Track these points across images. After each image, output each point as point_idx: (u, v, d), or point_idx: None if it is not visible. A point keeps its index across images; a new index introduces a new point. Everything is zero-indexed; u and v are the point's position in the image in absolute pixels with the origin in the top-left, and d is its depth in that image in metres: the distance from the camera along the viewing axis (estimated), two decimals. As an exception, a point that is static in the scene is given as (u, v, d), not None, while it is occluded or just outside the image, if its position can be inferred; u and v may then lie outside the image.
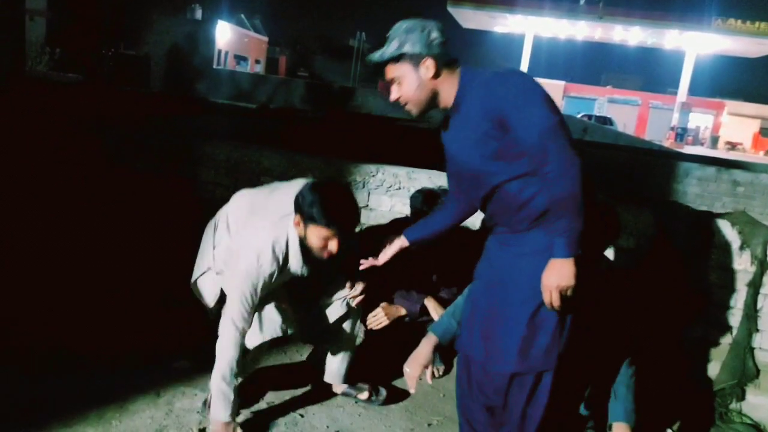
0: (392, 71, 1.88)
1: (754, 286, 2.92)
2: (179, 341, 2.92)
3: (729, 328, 2.99)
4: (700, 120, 47.76)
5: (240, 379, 2.29)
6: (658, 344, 3.00)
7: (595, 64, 61.98)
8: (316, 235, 2.18)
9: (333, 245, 2.20)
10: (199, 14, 35.76)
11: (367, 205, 3.40)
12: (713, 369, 3.02)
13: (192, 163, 3.62)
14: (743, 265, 2.94)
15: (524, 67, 40.89)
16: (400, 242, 2.25)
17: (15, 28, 9.38)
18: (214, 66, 32.24)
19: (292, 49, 47.57)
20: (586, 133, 18.29)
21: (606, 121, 31.94)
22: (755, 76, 62.19)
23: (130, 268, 3.43)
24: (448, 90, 1.88)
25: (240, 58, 40.61)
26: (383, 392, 2.77)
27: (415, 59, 1.84)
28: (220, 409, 2.23)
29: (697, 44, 37.15)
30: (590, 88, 50.32)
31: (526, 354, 1.87)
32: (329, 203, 2.16)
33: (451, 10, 35.22)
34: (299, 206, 2.19)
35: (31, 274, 3.31)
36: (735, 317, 2.98)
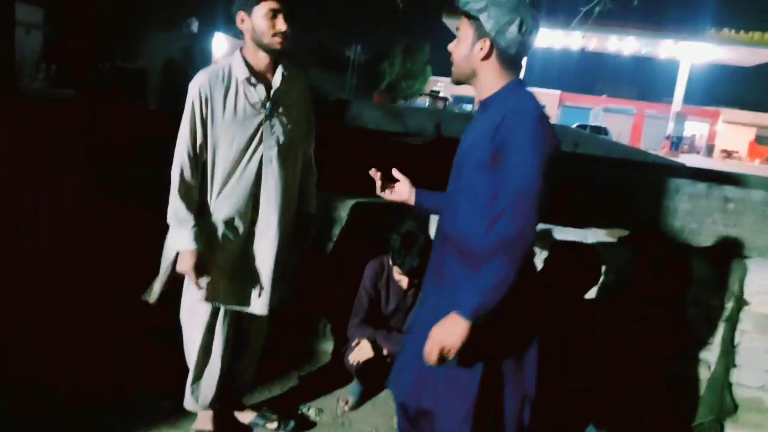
0: (462, 24, 1.84)
1: (731, 321, 2.95)
2: (163, 379, 2.93)
3: (707, 364, 3.02)
4: (695, 128, 47.93)
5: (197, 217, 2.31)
6: (639, 379, 3.03)
7: (590, 74, 62.20)
8: (262, 14, 2.20)
9: (280, 22, 2.22)
10: (195, 27, 35.82)
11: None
12: (693, 404, 3.04)
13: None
14: (720, 300, 2.97)
15: (520, 76, 40.97)
16: (409, 196, 2.18)
17: (3, 41, 9.00)
18: (211, 79, 32.24)
19: (288, 60, 47.65)
20: (578, 146, 18.31)
21: (601, 131, 32.06)
22: (750, 85, 62.46)
23: (113, 303, 3.44)
24: (487, 83, 1.83)
25: (236, 70, 40.47)
26: (291, 423, 2.76)
27: (481, 32, 1.77)
28: (183, 236, 2.27)
29: (692, 54, 37.33)
30: (585, 97, 50.51)
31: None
32: None
33: (446, 21, 35.37)
34: (237, 3, 2.25)
35: (11, 307, 3.32)
36: (713, 352, 3.00)
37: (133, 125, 10.21)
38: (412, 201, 2.18)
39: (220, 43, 35.93)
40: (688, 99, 42.30)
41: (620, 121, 45.47)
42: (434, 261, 2.02)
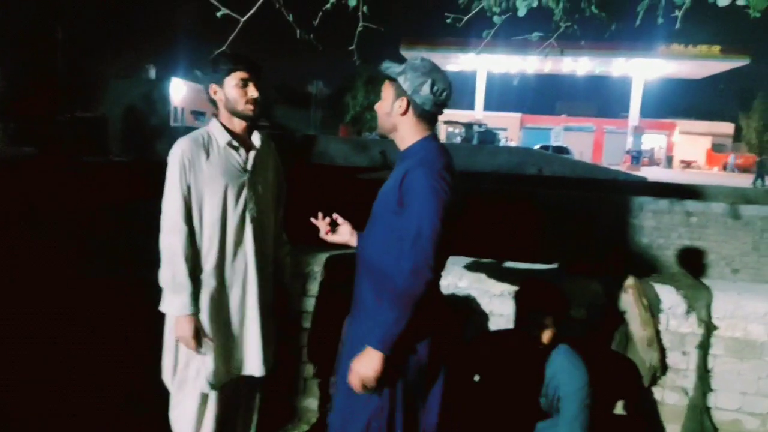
0: (385, 86, 2.11)
1: (703, 347, 3.01)
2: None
3: (684, 390, 3.06)
4: (653, 141, 49.21)
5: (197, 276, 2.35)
6: (617, 410, 3.07)
7: (548, 95, 63.66)
8: (233, 84, 2.33)
9: (252, 90, 2.35)
10: (153, 73, 35.84)
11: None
12: (673, 431, 3.08)
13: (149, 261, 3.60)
14: (691, 327, 3.03)
15: (479, 102, 41.80)
16: (350, 238, 2.41)
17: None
18: (171, 123, 32.19)
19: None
20: (542, 172, 18.66)
21: (563, 150, 32.67)
22: (703, 95, 64.74)
23: (90, 375, 3.37)
24: (405, 137, 2.09)
25: (197, 114, 40.64)
26: None
27: (399, 91, 2.04)
28: (179, 302, 2.30)
29: (644, 70, 38.53)
30: (545, 118, 51.57)
31: None
32: (229, 54, 2.41)
33: (404, 53, 36.04)
34: (207, 76, 2.38)
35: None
36: (689, 378, 3.05)
37: (95, 185, 10.13)
38: (353, 243, 2.38)
39: (178, 87, 35.98)
40: (644, 113, 43.56)
41: (581, 139, 46.46)
42: (355, 285, 2.23)
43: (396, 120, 2.07)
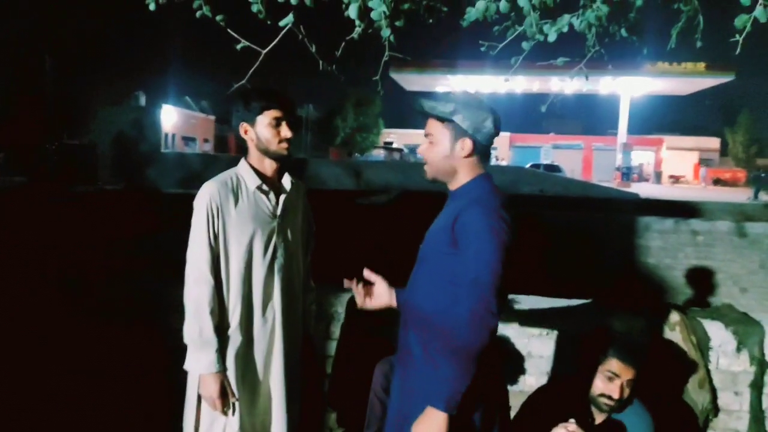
0: (432, 128, 1.94)
1: (757, 386, 2.84)
2: None
3: (738, 433, 2.89)
4: (642, 157, 49.54)
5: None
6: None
7: (536, 113, 63.97)
8: (266, 123, 2.19)
9: (285, 129, 2.21)
10: (143, 101, 35.68)
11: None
12: (728, 477, 2.90)
13: (162, 309, 3.39)
14: (743, 366, 2.87)
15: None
16: (390, 299, 2.15)
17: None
18: (162, 150, 31.98)
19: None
20: (544, 192, 18.59)
21: (554, 168, 32.74)
22: (689, 111, 65.36)
23: (96, 423, 3.15)
24: (462, 177, 1.93)
25: (188, 139, 40.45)
26: None
27: (459, 133, 1.89)
28: (206, 359, 2.13)
29: (631, 87, 38.87)
30: (534, 136, 51.80)
31: None
32: (261, 89, 2.24)
33: (393, 75, 36.11)
34: (237, 114, 2.24)
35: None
36: (742, 420, 2.88)
37: (87, 216, 9.87)
38: (393, 303, 2.14)
39: (169, 114, 35.84)
40: (632, 129, 43.81)
41: (570, 157, 46.66)
42: (400, 335, 2.05)
43: (457, 162, 1.91)
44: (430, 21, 2.86)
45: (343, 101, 43.68)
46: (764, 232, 9.11)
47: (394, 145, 42.82)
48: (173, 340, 3.14)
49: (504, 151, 48.93)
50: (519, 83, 39.83)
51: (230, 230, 2.17)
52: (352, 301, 3.22)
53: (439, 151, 1.93)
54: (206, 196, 2.15)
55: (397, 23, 2.67)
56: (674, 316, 2.92)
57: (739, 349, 2.86)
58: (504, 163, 41.85)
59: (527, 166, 30.97)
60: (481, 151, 1.92)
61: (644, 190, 28.35)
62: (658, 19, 3.49)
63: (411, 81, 38.82)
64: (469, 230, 1.78)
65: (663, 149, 50.43)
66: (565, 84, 40.03)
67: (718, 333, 2.89)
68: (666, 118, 62.86)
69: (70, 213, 9.51)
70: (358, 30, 2.69)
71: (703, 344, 2.87)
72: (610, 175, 40.88)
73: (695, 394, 2.84)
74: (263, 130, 2.20)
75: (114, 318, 3.35)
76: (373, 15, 2.39)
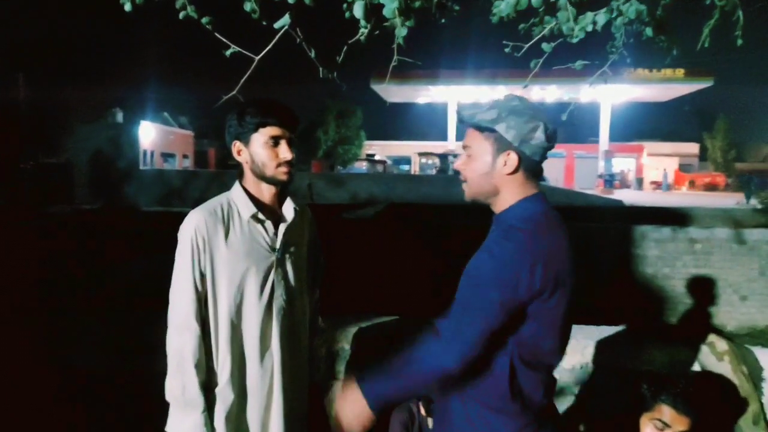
0: (472, 139, 1.63)
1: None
2: None
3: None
4: (623, 164, 49.78)
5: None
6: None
7: (516, 122, 64.29)
8: (262, 142, 1.86)
9: (284, 149, 1.87)
10: (120, 117, 35.08)
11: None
12: None
13: (147, 352, 3.03)
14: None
15: (452, 133, 41.86)
16: None
17: None
18: (141, 167, 31.41)
19: (220, 139, 47.29)
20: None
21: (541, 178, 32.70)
22: (668, 118, 65.98)
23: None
24: (506, 198, 1.61)
25: (167, 156, 39.85)
26: None
27: (502, 144, 1.57)
28: (190, 422, 1.81)
29: (611, 95, 39.11)
30: (516, 145, 51.73)
31: None
32: (260, 102, 1.88)
33: (374, 87, 35.96)
34: (230, 131, 1.91)
35: None
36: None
37: (64, 240, 9.41)
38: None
39: (147, 130, 35.26)
40: (612, 137, 44.04)
41: (552, 165, 46.71)
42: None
43: (500, 181, 1.59)
44: (443, 21, 2.57)
45: (324, 113, 43.40)
46: (763, 238, 8.94)
47: (377, 157, 42.59)
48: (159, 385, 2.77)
49: (486, 160, 48.79)
50: (500, 93, 39.92)
51: (219, 267, 1.84)
52: (358, 334, 2.89)
53: (478, 166, 1.61)
54: (191, 228, 1.83)
55: (408, 23, 2.37)
56: (721, 345, 2.62)
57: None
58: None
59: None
60: (530, 167, 1.58)
61: (627, 196, 28.35)
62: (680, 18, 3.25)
63: (392, 92, 38.68)
64: (485, 269, 1.50)
65: (644, 156, 50.75)
66: (546, 92, 40.27)
67: (770, 361, 2.60)
68: (646, 124, 63.42)
69: (45, 236, 9.07)
70: (363, 31, 2.39)
71: (755, 375, 2.57)
72: (592, 182, 40.97)
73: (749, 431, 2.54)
74: (259, 151, 1.86)
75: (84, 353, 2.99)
76: (386, 12, 2.09)
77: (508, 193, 1.59)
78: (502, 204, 1.61)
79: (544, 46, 2.67)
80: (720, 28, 2.82)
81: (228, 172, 29.89)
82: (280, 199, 1.98)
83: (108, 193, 24.67)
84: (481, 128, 1.60)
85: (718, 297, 9.11)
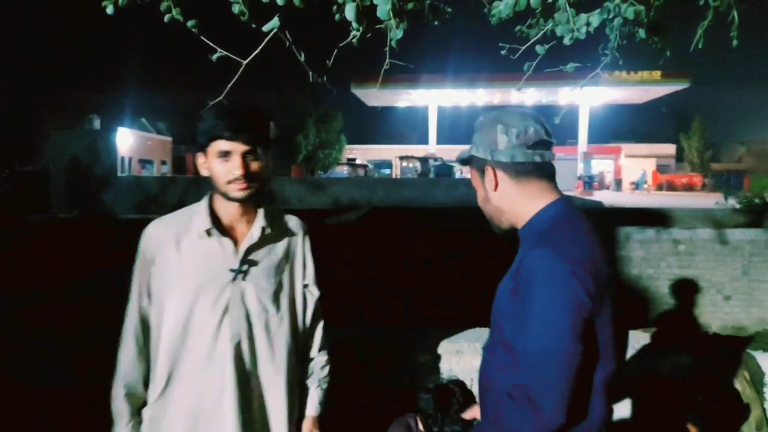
0: (471, 174, 1.64)
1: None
2: None
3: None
4: (601, 166, 50.22)
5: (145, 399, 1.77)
6: None
7: (496, 125, 64.81)
8: (215, 156, 1.71)
9: (234, 164, 1.69)
10: (97, 124, 34.62)
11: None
12: None
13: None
14: None
15: (432, 136, 41.94)
16: None
17: None
18: (119, 174, 31.02)
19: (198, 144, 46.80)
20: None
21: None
22: (645, 119, 66.98)
23: None
24: (519, 212, 1.52)
25: (145, 162, 39.43)
26: None
27: (480, 165, 1.56)
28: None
29: (590, 97, 39.45)
30: (497, 148, 52.06)
31: None
32: (213, 111, 1.73)
33: (355, 91, 35.90)
34: (195, 140, 1.78)
35: None
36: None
37: (40, 250, 9.20)
38: None
39: (124, 137, 34.85)
40: (591, 138, 44.44)
41: (533, 167, 46.97)
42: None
43: (495, 200, 1.54)
44: (435, 23, 2.51)
45: (305, 118, 43.23)
46: (745, 238, 9.01)
47: (358, 161, 42.52)
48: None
49: (467, 163, 49.05)
50: (480, 96, 40.06)
51: (169, 283, 1.73)
52: (344, 343, 2.80)
53: (479, 196, 1.61)
54: (143, 240, 1.77)
55: (402, 25, 2.30)
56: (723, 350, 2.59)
57: None
58: (470, 176, 41.85)
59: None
60: (524, 172, 1.49)
61: (606, 197, 28.56)
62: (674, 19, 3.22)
63: (372, 96, 38.67)
64: (530, 282, 1.35)
65: (622, 157, 51.27)
66: (524, 95, 40.50)
67: (771, 366, 2.57)
68: (623, 126, 64.23)
69: (20, 245, 8.86)
70: (355, 34, 2.31)
71: (757, 380, 2.54)
72: (572, 184, 41.24)
73: (753, 438, 2.50)
74: (213, 164, 1.72)
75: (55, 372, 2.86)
76: (380, 14, 2.01)
77: (514, 207, 1.53)
78: (518, 220, 1.54)
79: (538, 48, 2.62)
80: (714, 28, 2.80)
81: (207, 179, 29.60)
82: (252, 216, 1.83)
83: (85, 200, 24.29)
84: (467, 162, 1.62)
85: (702, 297, 9.17)
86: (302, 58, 2.40)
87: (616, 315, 1.41)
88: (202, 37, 2.29)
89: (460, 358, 2.67)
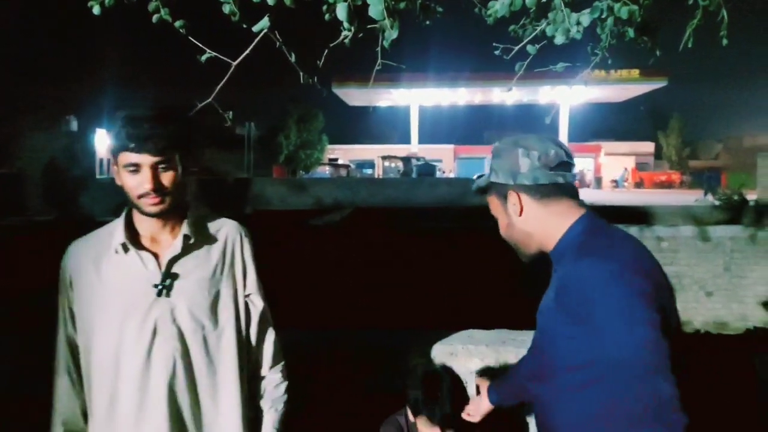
0: (489, 202, 1.60)
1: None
2: None
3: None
4: (581, 164, 50.69)
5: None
6: None
7: (476, 125, 65.05)
8: (123, 169, 1.54)
9: (143, 178, 1.52)
10: (74, 125, 34.20)
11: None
12: None
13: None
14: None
15: (414, 135, 41.99)
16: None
17: None
18: (97, 176, 30.66)
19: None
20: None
21: (500, 178, 33.11)
22: (623, 118, 67.67)
23: None
24: (547, 234, 1.49)
25: (125, 163, 38.93)
26: None
27: (502, 191, 1.54)
28: None
29: (570, 96, 39.81)
30: (477, 148, 52.32)
31: None
32: (124, 119, 1.52)
33: (336, 90, 35.88)
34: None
35: None
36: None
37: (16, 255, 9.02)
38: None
39: (103, 139, 34.43)
40: (570, 137, 44.85)
41: (514, 167, 47.29)
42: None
43: (522, 225, 1.51)
44: (427, 23, 2.48)
45: (285, 118, 43.03)
46: (726, 235, 9.14)
47: (340, 161, 42.45)
48: None
49: (448, 163, 49.27)
50: (461, 95, 40.22)
51: (94, 306, 1.58)
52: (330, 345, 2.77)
53: (501, 224, 1.58)
54: (63, 262, 1.63)
55: (396, 25, 2.27)
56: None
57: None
58: (451, 175, 42.07)
59: (474, 177, 31.14)
60: (547, 194, 1.47)
61: (587, 195, 28.84)
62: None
63: (353, 96, 38.70)
64: (587, 294, 1.29)
65: (601, 155, 51.79)
66: (506, 95, 40.78)
67: None
68: (602, 125, 64.84)
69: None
70: (347, 34, 2.28)
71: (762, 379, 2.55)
72: (552, 182, 41.65)
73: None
74: (123, 176, 1.55)
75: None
76: (373, 14, 1.98)
77: (543, 230, 1.49)
78: (548, 242, 1.50)
79: (530, 48, 2.60)
80: (700, 27, 2.80)
81: (185, 179, 29.31)
82: (176, 224, 1.65)
83: (63, 203, 23.97)
84: (486, 190, 1.59)
85: (685, 294, 9.28)
86: (293, 59, 2.36)
87: (674, 308, 1.39)
88: (191, 38, 2.24)
89: (454, 360, 2.65)
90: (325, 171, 39.58)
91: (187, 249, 1.62)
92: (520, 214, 1.50)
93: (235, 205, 21.38)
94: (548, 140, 1.51)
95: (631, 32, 2.81)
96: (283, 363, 1.78)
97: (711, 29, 2.79)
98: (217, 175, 32.04)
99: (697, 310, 9.22)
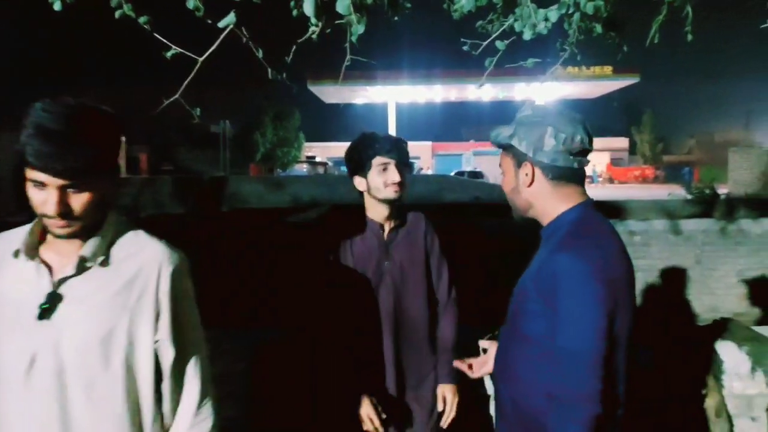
0: (501, 158, 1.68)
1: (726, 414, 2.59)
2: None
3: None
4: (557, 160, 51.22)
5: None
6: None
7: (454, 121, 65.22)
8: (28, 180, 1.32)
9: (50, 199, 1.28)
10: (46, 123, 33.61)
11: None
12: None
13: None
14: (758, 388, 2.61)
15: (392, 131, 41.98)
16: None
17: None
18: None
19: (151, 144, 45.70)
20: (480, 200, 18.63)
21: (477, 175, 33.24)
22: (598, 114, 68.30)
23: None
24: (546, 210, 1.59)
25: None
26: None
27: (519, 157, 1.60)
28: None
29: (543, 92, 40.09)
30: (455, 144, 52.58)
31: None
32: (33, 126, 1.28)
33: (311, 88, 35.67)
34: None
35: None
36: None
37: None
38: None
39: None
40: (547, 133, 45.24)
41: (491, 162, 47.44)
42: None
43: (527, 194, 1.59)
44: (395, 18, 2.48)
45: (261, 116, 42.67)
46: (698, 228, 9.28)
47: (318, 159, 42.27)
48: None
49: (426, 160, 49.38)
50: (437, 92, 40.29)
51: None
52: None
53: (507, 183, 1.66)
54: None
55: (362, 20, 2.26)
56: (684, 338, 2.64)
57: (753, 370, 2.61)
58: (429, 172, 42.15)
59: (452, 173, 31.22)
60: (558, 175, 1.54)
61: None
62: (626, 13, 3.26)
63: (329, 93, 38.49)
64: (559, 285, 1.42)
65: (576, 151, 52.35)
66: (481, 91, 40.91)
67: (730, 354, 2.63)
68: (577, 120, 65.50)
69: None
70: (314, 29, 2.27)
71: (716, 368, 2.59)
72: (530, 178, 41.98)
73: (713, 425, 2.56)
74: (28, 189, 1.33)
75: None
76: (340, 9, 1.97)
77: (544, 204, 1.58)
78: (543, 218, 1.60)
79: (498, 44, 2.62)
80: (666, 23, 2.84)
81: (159, 178, 28.89)
82: (86, 235, 1.39)
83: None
84: (502, 146, 1.64)
85: (657, 287, 9.39)
86: (260, 54, 2.35)
87: (633, 306, 1.50)
88: (156, 35, 2.22)
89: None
90: (302, 168, 39.36)
91: (82, 271, 1.37)
92: (529, 186, 1.57)
93: (211, 204, 21.14)
94: (579, 124, 1.55)
95: (598, 28, 2.84)
96: (208, 400, 1.48)
97: (679, 26, 2.84)
98: (192, 174, 31.67)
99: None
